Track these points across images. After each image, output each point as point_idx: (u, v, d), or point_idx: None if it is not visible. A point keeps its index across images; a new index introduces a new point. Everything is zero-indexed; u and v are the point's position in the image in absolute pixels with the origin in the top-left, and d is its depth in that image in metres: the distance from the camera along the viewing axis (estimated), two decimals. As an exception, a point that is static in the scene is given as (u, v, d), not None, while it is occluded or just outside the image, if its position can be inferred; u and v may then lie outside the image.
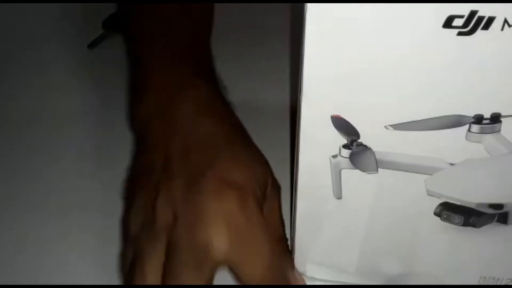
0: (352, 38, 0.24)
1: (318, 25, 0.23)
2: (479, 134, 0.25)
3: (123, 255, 0.31)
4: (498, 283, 0.31)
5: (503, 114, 0.25)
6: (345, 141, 0.27)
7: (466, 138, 0.26)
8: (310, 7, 0.23)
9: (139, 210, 0.30)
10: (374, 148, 0.27)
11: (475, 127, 0.25)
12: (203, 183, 0.29)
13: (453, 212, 0.28)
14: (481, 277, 0.31)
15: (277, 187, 0.34)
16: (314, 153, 0.27)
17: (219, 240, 0.28)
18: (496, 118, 0.25)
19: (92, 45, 0.52)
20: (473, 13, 0.22)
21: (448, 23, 0.22)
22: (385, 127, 0.26)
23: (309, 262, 0.33)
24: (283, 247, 0.33)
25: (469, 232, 0.29)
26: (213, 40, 0.42)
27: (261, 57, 0.53)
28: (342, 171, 0.28)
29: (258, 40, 0.55)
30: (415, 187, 0.28)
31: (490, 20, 0.22)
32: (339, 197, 0.29)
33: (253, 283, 0.29)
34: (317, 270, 0.33)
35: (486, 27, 0.22)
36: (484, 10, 0.22)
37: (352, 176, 0.28)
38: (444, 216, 0.29)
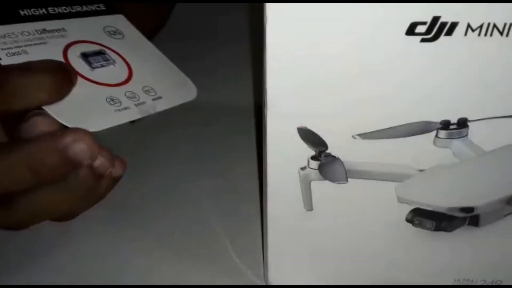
0: (315, 42, 0.23)
1: (279, 25, 0.23)
2: (447, 140, 0.25)
3: None
4: (473, 284, 0.31)
5: (469, 118, 0.25)
6: (313, 153, 0.26)
7: (434, 144, 0.26)
8: (269, 8, 0.22)
9: None
10: (342, 158, 0.26)
11: (443, 133, 0.25)
12: None
13: (425, 217, 0.28)
14: (455, 279, 0.31)
15: None
16: (282, 166, 0.27)
17: None
18: (463, 123, 0.25)
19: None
20: (435, 19, 0.22)
21: (410, 30, 0.22)
22: (352, 136, 0.26)
23: (282, 274, 0.32)
24: None
25: (441, 237, 0.29)
26: (175, 40, 0.41)
27: (223, 56, 0.52)
28: (312, 182, 0.27)
29: (220, 39, 0.55)
30: (385, 195, 0.27)
31: (453, 25, 0.22)
32: (309, 209, 0.28)
33: None
34: (291, 281, 0.33)
35: (449, 32, 0.22)
36: (447, 15, 0.22)
37: (322, 188, 0.27)
38: (416, 222, 0.28)
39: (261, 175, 0.33)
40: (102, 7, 0.34)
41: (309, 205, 0.28)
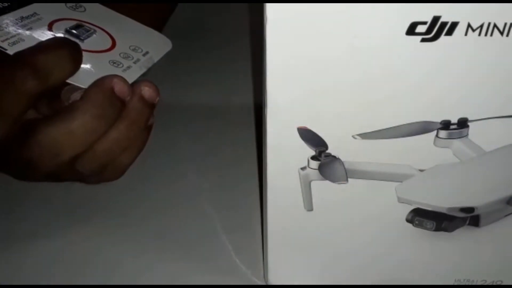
0: (315, 42, 0.23)
1: (279, 25, 0.23)
2: (447, 140, 0.25)
3: None
4: (473, 284, 0.31)
5: (470, 118, 0.25)
6: (313, 153, 0.26)
7: (434, 144, 0.26)
8: (269, 8, 0.22)
9: None
10: (343, 158, 0.26)
11: (443, 133, 0.25)
12: None
13: (425, 217, 0.28)
14: (455, 279, 0.31)
15: None
16: (282, 166, 0.27)
17: None
18: (463, 123, 0.25)
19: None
20: (436, 19, 0.22)
21: (411, 30, 0.22)
22: (352, 136, 0.25)
23: (282, 274, 0.32)
24: None
25: (442, 237, 0.29)
26: (176, 40, 0.41)
27: (223, 55, 0.52)
28: (312, 182, 0.27)
29: (220, 38, 0.54)
30: (386, 195, 0.27)
31: (454, 25, 0.22)
32: (309, 209, 0.28)
33: None
34: (291, 281, 0.33)
35: (450, 32, 0.22)
36: (447, 15, 0.22)
37: (322, 188, 0.27)
38: (416, 222, 0.28)
39: (261, 175, 0.33)
40: None
41: (309, 205, 0.28)
